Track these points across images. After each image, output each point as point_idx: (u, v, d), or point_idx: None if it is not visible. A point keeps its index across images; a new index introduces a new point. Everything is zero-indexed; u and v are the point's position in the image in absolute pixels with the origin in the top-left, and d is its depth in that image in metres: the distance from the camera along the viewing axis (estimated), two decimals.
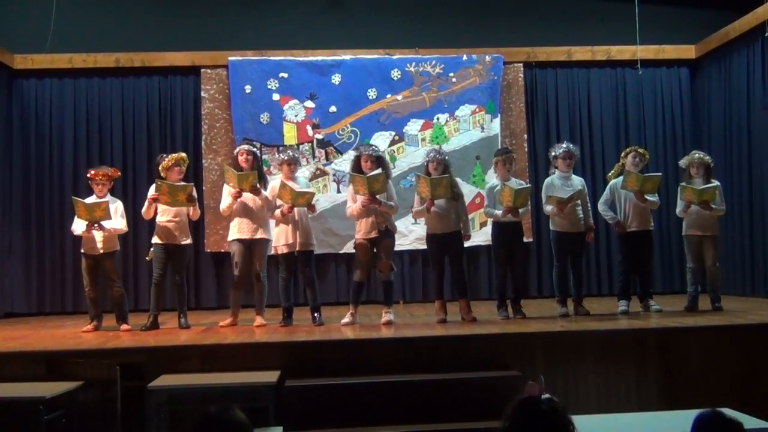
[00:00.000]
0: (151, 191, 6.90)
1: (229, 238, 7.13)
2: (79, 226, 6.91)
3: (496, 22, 9.60)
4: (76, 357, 5.39)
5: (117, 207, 7.03)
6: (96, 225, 6.75)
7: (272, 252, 7.05)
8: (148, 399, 5.00)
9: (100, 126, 9.19)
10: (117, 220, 6.96)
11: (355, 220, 6.87)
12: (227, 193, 7.03)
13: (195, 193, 7.03)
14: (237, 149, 7.23)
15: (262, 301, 7.03)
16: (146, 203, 6.92)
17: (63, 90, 9.22)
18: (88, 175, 7.05)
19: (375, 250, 6.81)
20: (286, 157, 7.10)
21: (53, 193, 9.10)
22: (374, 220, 6.72)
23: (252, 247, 7.00)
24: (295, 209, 6.84)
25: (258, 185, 6.88)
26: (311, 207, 6.89)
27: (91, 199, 6.92)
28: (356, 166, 6.89)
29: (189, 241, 7.11)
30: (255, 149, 7.21)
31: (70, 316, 8.52)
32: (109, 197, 7.00)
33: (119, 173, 7.33)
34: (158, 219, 7.00)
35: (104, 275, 7.04)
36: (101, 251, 6.90)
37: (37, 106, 9.19)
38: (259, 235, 6.98)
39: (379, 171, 6.66)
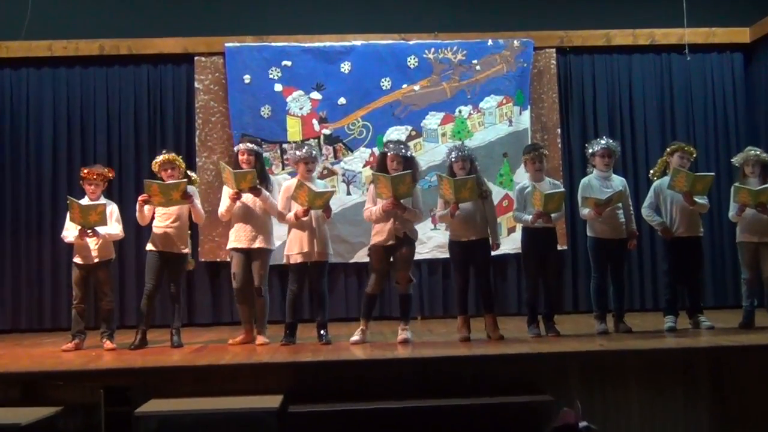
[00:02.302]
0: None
1: (228, 247, 7.15)
2: (71, 232, 6.93)
3: (526, 3, 9.58)
4: (55, 379, 5.39)
5: (112, 210, 7.06)
6: (90, 231, 6.78)
7: (284, 261, 7.05)
8: (135, 426, 4.98)
9: (82, 121, 9.24)
10: (113, 225, 6.99)
11: (372, 224, 6.87)
12: (226, 194, 7.04)
13: (195, 189, 7.07)
14: (237, 147, 7.22)
15: (263, 318, 7.02)
16: (137, 208, 6.94)
17: (41, 81, 9.27)
18: (81, 175, 7.08)
19: (392, 259, 6.80)
20: (302, 155, 6.98)
21: (30, 196, 9.14)
22: (393, 225, 6.71)
23: (251, 257, 7.00)
24: (312, 213, 6.83)
25: (258, 185, 6.88)
26: (327, 210, 6.85)
27: (85, 201, 6.95)
28: (381, 166, 6.87)
29: (188, 249, 7.13)
30: (257, 148, 7.14)
31: (48, 334, 8.55)
32: (103, 199, 7.04)
33: (114, 173, 7.38)
34: (155, 224, 7.02)
35: (95, 287, 7.08)
36: (96, 260, 6.94)
37: (13, 99, 9.25)
38: (258, 244, 6.96)
39: (406, 172, 6.61)
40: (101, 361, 6.20)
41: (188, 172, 7.29)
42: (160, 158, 7.04)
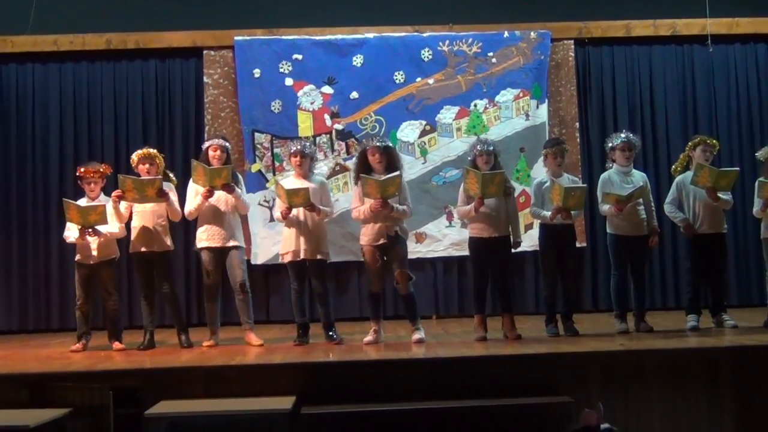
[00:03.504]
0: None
1: (198, 246, 7.14)
2: (72, 232, 6.99)
3: None
4: (64, 380, 5.43)
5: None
6: (90, 230, 6.81)
7: (280, 260, 7.11)
8: (145, 428, 5.01)
9: (89, 117, 9.27)
10: (113, 223, 7.02)
11: (361, 224, 6.91)
12: (194, 193, 7.03)
13: (172, 189, 7.10)
14: (207, 143, 7.21)
15: (247, 313, 7.04)
16: (111, 205, 6.94)
17: (47, 76, 9.31)
18: (78, 174, 7.13)
19: (386, 258, 6.81)
20: (292, 149, 7.13)
21: (36, 194, 9.19)
22: (382, 225, 6.73)
23: (224, 256, 7.02)
24: (300, 211, 6.87)
25: (230, 182, 6.90)
26: (311, 207, 6.81)
27: (84, 201, 7.00)
28: (363, 163, 6.89)
29: (171, 244, 7.18)
30: (227, 143, 7.21)
31: (56, 334, 8.59)
32: (102, 197, 7.08)
33: (111, 169, 7.39)
34: (133, 224, 7.07)
35: (100, 286, 7.12)
36: (98, 259, 6.99)
37: (18, 95, 9.29)
38: (231, 242, 7.00)
39: (395, 174, 6.65)
40: (110, 362, 6.26)
41: (167, 171, 7.29)
42: (139, 152, 7.10)
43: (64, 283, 8.87)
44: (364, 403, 5.30)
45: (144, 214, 7.03)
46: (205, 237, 7.02)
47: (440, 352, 6.13)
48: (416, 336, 6.67)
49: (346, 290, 8.95)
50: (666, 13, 9.48)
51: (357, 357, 6.11)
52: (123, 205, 6.99)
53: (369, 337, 6.73)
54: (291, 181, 7.10)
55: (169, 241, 7.13)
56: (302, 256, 6.87)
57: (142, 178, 6.91)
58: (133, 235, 7.06)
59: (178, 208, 7.10)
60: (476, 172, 6.69)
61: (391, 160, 6.82)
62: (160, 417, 5.04)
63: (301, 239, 6.87)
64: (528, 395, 5.34)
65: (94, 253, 6.97)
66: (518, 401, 5.28)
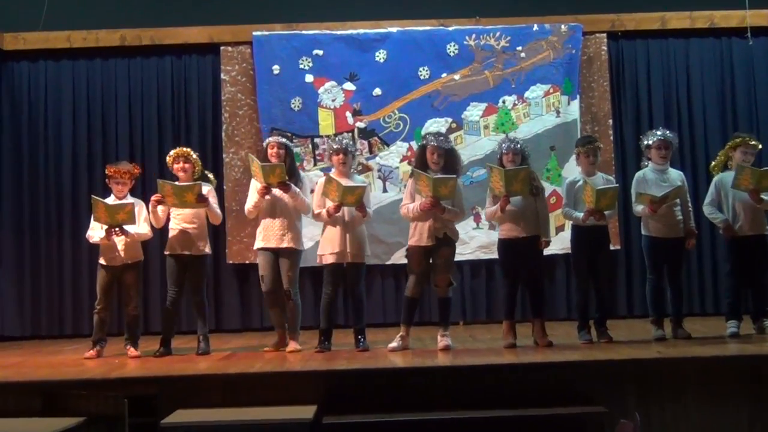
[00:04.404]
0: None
1: (255, 247, 7.19)
2: (97, 232, 7.02)
3: None
4: (78, 388, 5.46)
5: (141, 209, 7.13)
6: (117, 230, 6.84)
7: (318, 262, 7.11)
8: None
9: (103, 115, 9.33)
10: (141, 225, 7.07)
11: (410, 222, 6.88)
12: (254, 189, 7.07)
13: (212, 191, 7.13)
14: (267, 141, 7.25)
15: (295, 324, 7.06)
16: (150, 208, 7.01)
17: (60, 74, 9.38)
18: (107, 173, 7.17)
19: (431, 261, 6.79)
20: (335, 146, 7.09)
21: (49, 195, 9.25)
22: (432, 225, 6.72)
23: (278, 257, 7.02)
24: (345, 210, 6.86)
25: (287, 180, 6.89)
26: (362, 208, 6.84)
27: (110, 200, 7.03)
28: (421, 159, 6.90)
29: (208, 249, 7.19)
30: (288, 142, 7.26)
31: (69, 340, 8.67)
32: (130, 198, 7.12)
33: (140, 170, 7.45)
34: (171, 225, 7.10)
35: (122, 290, 7.16)
36: (123, 261, 7.03)
37: (30, 93, 9.36)
38: (286, 243, 6.98)
39: (451, 176, 6.65)
40: (125, 369, 6.28)
41: (205, 172, 7.33)
42: (173, 151, 7.14)
43: (77, 286, 8.94)
44: (388, 412, 5.30)
45: (183, 216, 7.05)
46: (261, 237, 7.04)
47: (468, 360, 6.11)
48: (443, 343, 6.66)
49: (368, 295, 8.89)
50: (703, 4, 9.42)
51: (381, 364, 6.10)
52: (160, 209, 7.03)
53: (394, 344, 6.73)
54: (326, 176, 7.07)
55: (206, 246, 7.15)
56: (348, 259, 6.87)
57: (181, 183, 6.94)
58: (170, 236, 7.10)
59: (218, 211, 7.15)
60: (499, 168, 6.68)
61: (449, 163, 6.81)
62: (177, 426, 5.06)
63: (347, 240, 6.87)
64: (560, 405, 5.32)
65: (122, 254, 7.00)
66: (550, 411, 5.25)
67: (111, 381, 5.65)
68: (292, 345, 6.95)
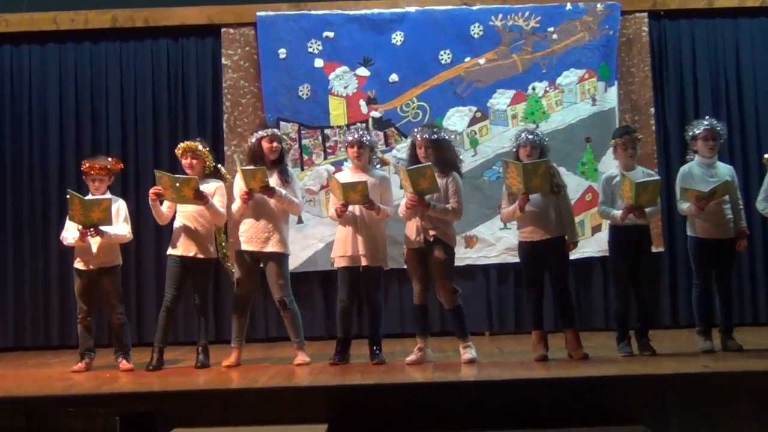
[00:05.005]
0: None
1: (235, 248, 7.16)
2: (71, 232, 7.02)
3: None
4: (65, 405, 5.47)
5: (119, 208, 7.14)
6: (92, 230, 6.83)
7: (331, 265, 7.13)
8: None
9: (92, 104, 9.36)
10: (119, 225, 7.07)
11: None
12: (239, 191, 7.05)
13: (221, 188, 7.14)
14: (258, 134, 7.17)
15: (296, 332, 7.05)
16: (150, 203, 7.02)
17: (45, 59, 9.41)
18: (82, 169, 7.17)
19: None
20: (349, 137, 7.10)
21: (34, 192, 9.28)
22: (419, 225, 6.72)
23: (261, 262, 7.03)
24: (360, 210, 6.88)
25: (269, 184, 6.85)
26: (369, 204, 6.81)
27: (89, 198, 7.01)
28: (412, 157, 6.92)
29: (213, 252, 7.19)
30: (281, 134, 7.25)
31: (55, 352, 8.69)
32: (109, 195, 7.10)
33: (121, 166, 7.45)
34: (175, 222, 7.11)
35: (103, 298, 7.16)
36: (100, 265, 7.02)
37: (14, 80, 9.40)
38: (271, 247, 6.97)
39: (423, 165, 6.60)
40: (116, 383, 6.29)
41: (219, 166, 7.32)
42: (181, 145, 7.14)
43: (65, 293, 8.93)
44: None
45: (187, 214, 7.06)
46: (243, 239, 7.03)
47: (494, 374, 6.12)
48: (466, 355, 6.65)
49: (385, 302, 8.88)
50: None
51: (398, 379, 6.10)
52: (165, 204, 7.05)
53: (412, 357, 6.73)
54: (347, 174, 7.13)
55: (212, 248, 7.15)
56: (362, 262, 6.88)
57: (177, 176, 6.92)
58: (174, 234, 7.11)
59: (221, 211, 7.07)
60: (515, 163, 6.68)
61: (440, 156, 6.77)
62: None
63: (359, 242, 6.87)
64: (597, 424, 5.30)
65: (95, 257, 6.98)
66: (585, 431, 5.23)
67: (101, 397, 5.66)
68: (300, 357, 6.95)
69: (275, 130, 7.24)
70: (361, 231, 6.89)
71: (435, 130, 6.94)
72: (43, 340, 9.09)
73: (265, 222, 6.98)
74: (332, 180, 6.90)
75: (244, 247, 7.00)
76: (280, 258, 7.02)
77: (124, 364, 6.96)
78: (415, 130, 6.97)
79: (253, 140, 7.13)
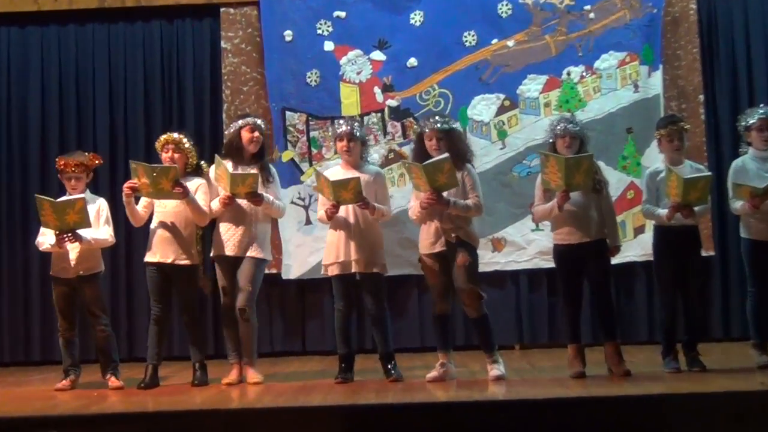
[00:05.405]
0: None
1: (212, 254, 7.17)
2: (47, 237, 7.02)
3: None
4: (47, 427, 5.48)
5: (99, 208, 7.15)
6: (69, 235, 6.82)
7: (323, 273, 7.14)
8: None
9: (78, 93, 9.42)
10: (100, 228, 7.07)
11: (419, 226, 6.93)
12: (216, 192, 7.06)
13: (203, 186, 7.09)
14: (237, 123, 7.18)
15: (251, 348, 7.02)
16: (124, 199, 6.94)
17: (26, 43, 9.47)
18: (56, 167, 7.18)
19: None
20: (339, 130, 7.08)
21: (13, 192, 9.34)
22: (439, 226, 6.71)
23: (238, 266, 7.03)
24: (353, 212, 6.88)
25: (258, 191, 6.85)
26: (363, 203, 6.79)
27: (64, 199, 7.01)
28: (420, 150, 6.90)
29: (197, 257, 7.16)
30: (262, 124, 7.24)
31: (37, 368, 8.75)
32: (88, 195, 7.10)
33: (100, 160, 7.42)
34: (153, 224, 7.10)
35: (84, 309, 7.17)
36: (78, 273, 7.03)
37: None
38: (252, 252, 6.99)
39: (441, 157, 6.56)
40: (105, 403, 6.32)
41: (201, 163, 7.28)
42: (162, 137, 7.14)
43: (46, 303, 8.91)
44: None
45: (165, 215, 7.05)
46: (221, 243, 7.03)
47: (525, 393, 6.12)
48: (494, 372, 6.65)
49: (403, 313, 8.92)
50: None
51: (418, 398, 6.09)
52: (142, 203, 7.04)
53: (434, 373, 6.73)
54: (337, 171, 7.09)
55: (194, 252, 7.11)
56: (353, 268, 6.88)
57: (154, 165, 6.91)
58: (150, 240, 7.09)
59: (203, 209, 7.01)
60: (557, 156, 6.65)
61: (453, 147, 6.76)
62: None
63: (352, 247, 6.87)
64: None
65: (74, 264, 6.99)
66: None
67: (88, 418, 5.67)
68: (252, 375, 6.93)
69: (258, 119, 7.22)
70: (355, 234, 6.88)
71: (446, 119, 6.96)
72: (23, 355, 9.15)
73: (244, 227, 6.99)
74: (321, 178, 6.86)
75: (228, 252, 7.01)
76: (257, 263, 7.02)
77: (113, 381, 6.97)
78: (422, 122, 6.98)
79: (232, 129, 7.17)
